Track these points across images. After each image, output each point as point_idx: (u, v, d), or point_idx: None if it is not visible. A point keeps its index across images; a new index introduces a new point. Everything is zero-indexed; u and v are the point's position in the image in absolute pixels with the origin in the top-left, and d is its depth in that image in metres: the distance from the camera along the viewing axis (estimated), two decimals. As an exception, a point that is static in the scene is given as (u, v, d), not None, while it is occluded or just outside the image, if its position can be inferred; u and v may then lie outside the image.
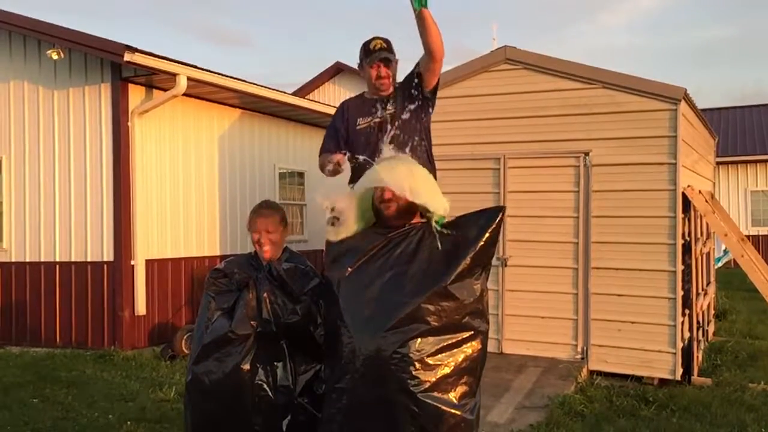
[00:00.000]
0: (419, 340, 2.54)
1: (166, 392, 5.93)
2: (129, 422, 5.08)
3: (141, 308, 7.81)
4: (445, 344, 2.57)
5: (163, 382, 6.28)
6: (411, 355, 2.53)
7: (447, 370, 2.57)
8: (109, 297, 7.77)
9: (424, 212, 2.92)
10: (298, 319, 2.97)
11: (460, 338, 2.61)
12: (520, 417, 5.14)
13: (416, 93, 3.73)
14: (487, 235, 2.68)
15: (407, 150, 3.55)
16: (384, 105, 3.79)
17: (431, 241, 2.74)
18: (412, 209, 2.85)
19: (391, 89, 3.84)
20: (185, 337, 7.54)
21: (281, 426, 2.95)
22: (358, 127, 3.85)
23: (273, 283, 3.02)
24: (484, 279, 2.73)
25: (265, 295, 2.99)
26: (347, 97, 4.07)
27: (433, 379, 2.54)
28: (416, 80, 3.70)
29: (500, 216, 2.72)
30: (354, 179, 3.85)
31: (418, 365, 2.53)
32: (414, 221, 2.87)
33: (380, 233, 2.84)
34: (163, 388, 6.04)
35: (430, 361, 2.55)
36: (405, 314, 2.55)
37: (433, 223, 2.79)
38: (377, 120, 3.78)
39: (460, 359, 2.60)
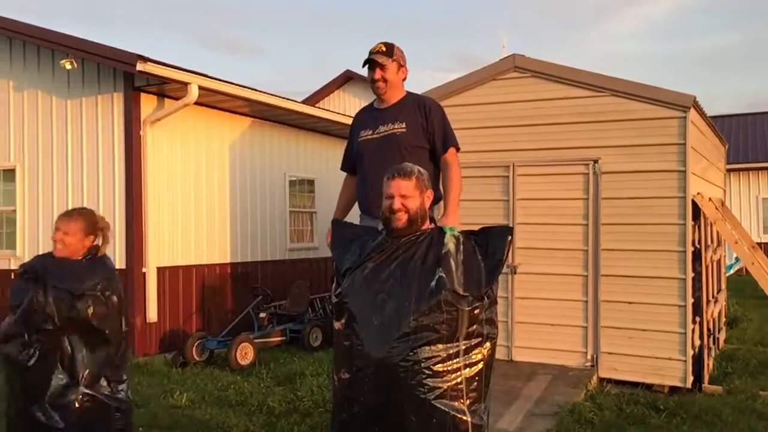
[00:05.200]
0: (428, 347, 2.56)
1: (177, 398, 5.98)
2: (141, 428, 5.12)
3: (152, 315, 7.87)
4: (454, 351, 2.59)
5: (174, 388, 6.32)
6: (421, 362, 2.55)
7: (457, 377, 2.59)
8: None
9: (434, 218, 2.93)
10: (79, 313, 3.25)
11: (469, 345, 2.63)
12: (529, 424, 5.14)
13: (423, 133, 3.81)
14: (506, 249, 2.73)
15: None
16: (386, 120, 3.79)
17: (441, 247, 2.72)
18: (422, 217, 2.84)
19: (396, 97, 3.83)
20: (196, 344, 7.59)
21: (73, 417, 3.24)
22: (359, 139, 3.88)
23: (55, 279, 3.30)
24: (495, 287, 2.74)
25: (48, 290, 3.26)
26: (356, 105, 4.11)
27: (443, 386, 2.56)
28: (430, 137, 3.79)
29: (512, 234, 2.81)
30: (364, 208, 3.88)
31: (427, 372, 2.55)
32: (423, 227, 2.85)
33: (390, 238, 2.83)
34: (175, 395, 6.08)
35: (439, 368, 2.57)
36: (414, 322, 2.57)
37: (448, 232, 2.77)
38: (379, 135, 3.79)
39: (468, 365, 2.62)
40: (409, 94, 3.92)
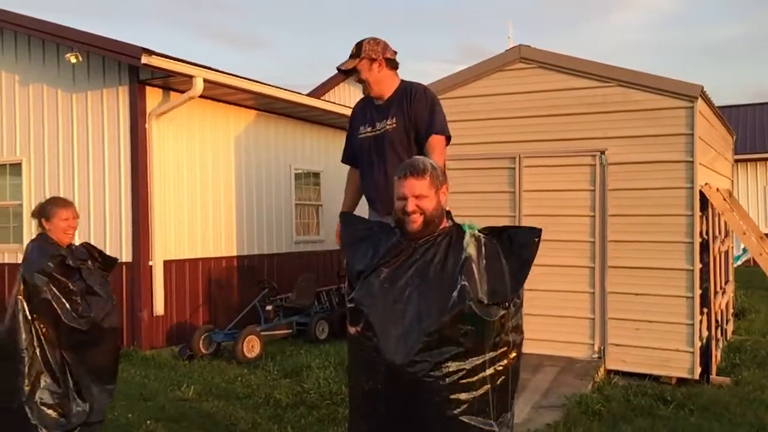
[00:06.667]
0: (453, 362, 2.40)
1: (184, 391, 6.00)
2: (149, 421, 5.14)
3: (159, 308, 7.89)
4: (479, 363, 2.43)
5: (181, 381, 6.34)
6: (446, 377, 2.40)
7: (483, 389, 2.44)
8: (128, 297, 7.85)
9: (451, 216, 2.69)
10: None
11: (495, 355, 2.46)
12: (537, 416, 5.13)
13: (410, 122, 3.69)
14: (533, 254, 2.51)
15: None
16: (381, 116, 3.72)
17: (461, 250, 2.51)
18: (439, 217, 2.60)
19: (389, 90, 3.72)
20: (203, 336, 7.60)
21: None
22: (359, 136, 3.81)
23: (93, 259, 3.97)
24: (521, 293, 2.56)
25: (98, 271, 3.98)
26: (361, 98, 4.03)
27: (470, 400, 2.42)
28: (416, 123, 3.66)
29: (540, 237, 2.55)
30: (372, 205, 3.83)
31: (453, 388, 2.40)
32: (441, 227, 2.61)
33: (405, 239, 2.60)
34: (182, 387, 6.10)
35: (465, 382, 2.41)
36: (437, 335, 2.40)
37: (468, 231, 2.55)
38: (376, 132, 3.72)
39: (494, 376, 2.46)
40: (401, 83, 3.77)
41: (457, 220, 2.71)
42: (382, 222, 2.91)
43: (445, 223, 2.63)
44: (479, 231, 2.57)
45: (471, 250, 2.50)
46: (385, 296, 2.51)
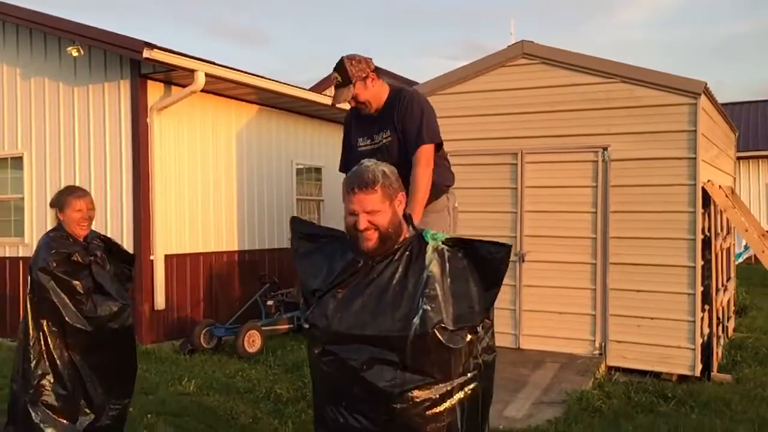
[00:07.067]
0: (418, 391, 2.20)
1: (185, 385, 6.00)
2: (149, 415, 5.14)
3: (160, 303, 7.89)
4: (446, 390, 2.23)
5: (182, 375, 6.34)
6: (411, 409, 2.21)
7: (451, 416, 2.25)
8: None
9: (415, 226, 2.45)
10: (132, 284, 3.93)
11: (463, 381, 2.26)
12: (537, 412, 5.13)
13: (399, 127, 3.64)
14: (502, 273, 2.29)
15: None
16: (378, 128, 3.68)
17: (423, 267, 2.28)
18: (396, 230, 2.33)
19: (381, 101, 3.66)
20: (204, 331, 7.61)
21: None
22: (359, 148, 3.76)
23: (111, 254, 3.86)
24: (491, 312, 2.33)
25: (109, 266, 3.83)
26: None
27: (437, 428, 2.24)
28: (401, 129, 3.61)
29: (509, 254, 2.31)
30: None
31: (418, 418, 2.21)
32: (400, 239, 2.35)
33: (360, 257, 2.35)
34: (183, 382, 6.10)
35: (432, 412, 2.22)
36: (400, 364, 2.20)
37: (431, 243, 2.31)
38: (375, 146, 3.69)
39: (464, 401, 2.26)
40: (391, 91, 3.70)
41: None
42: (333, 230, 2.64)
43: (405, 233, 2.38)
44: (443, 243, 2.32)
45: (434, 267, 2.26)
46: (339, 321, 2.28)
